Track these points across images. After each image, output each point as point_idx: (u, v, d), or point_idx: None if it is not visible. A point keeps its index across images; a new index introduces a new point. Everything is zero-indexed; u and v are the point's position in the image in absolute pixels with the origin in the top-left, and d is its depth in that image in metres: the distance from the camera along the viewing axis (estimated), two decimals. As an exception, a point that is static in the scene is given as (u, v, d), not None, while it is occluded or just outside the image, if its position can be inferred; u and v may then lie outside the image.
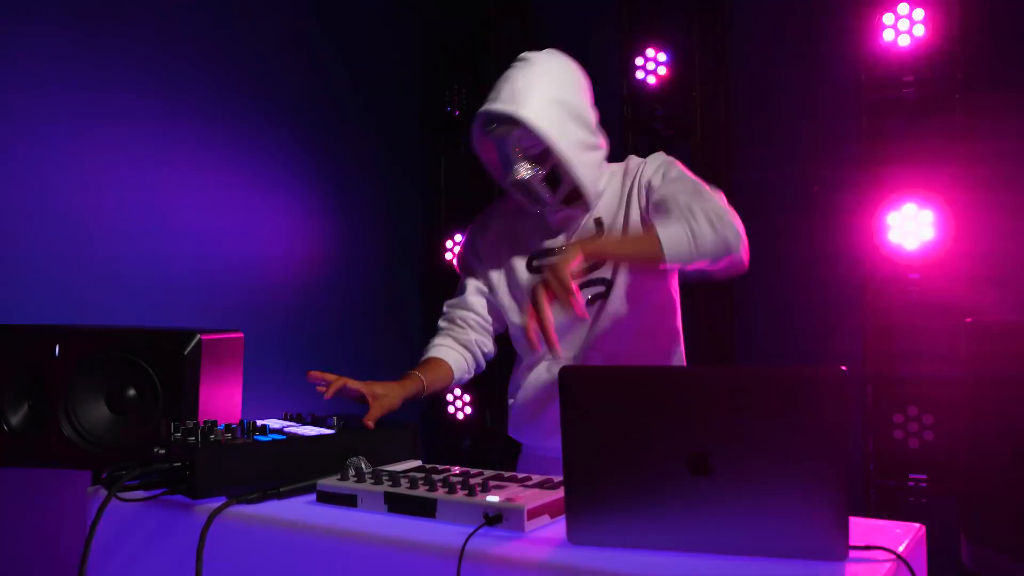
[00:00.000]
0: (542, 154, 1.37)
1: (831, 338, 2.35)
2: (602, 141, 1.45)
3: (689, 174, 1.41)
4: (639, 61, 2.52)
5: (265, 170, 2.50)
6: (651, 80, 2.50)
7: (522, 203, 1.45)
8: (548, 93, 1.34)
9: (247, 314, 2.35)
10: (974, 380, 0.90)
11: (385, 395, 1.35)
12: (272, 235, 2.51)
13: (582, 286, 1.43)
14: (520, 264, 1.50)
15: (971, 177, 2.07)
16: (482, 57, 2.87)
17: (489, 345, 1.56)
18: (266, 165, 2.50)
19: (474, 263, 1.56)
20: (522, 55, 1.40)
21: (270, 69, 2.52)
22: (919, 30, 2.07)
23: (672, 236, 1.22)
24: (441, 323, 1.57)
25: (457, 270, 1.60)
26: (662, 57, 2.47)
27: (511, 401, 1.56)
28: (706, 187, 1.37)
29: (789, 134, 2.46)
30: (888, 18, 2.11)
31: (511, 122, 1.34)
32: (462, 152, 2.96)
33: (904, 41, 2.08)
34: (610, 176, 1.48)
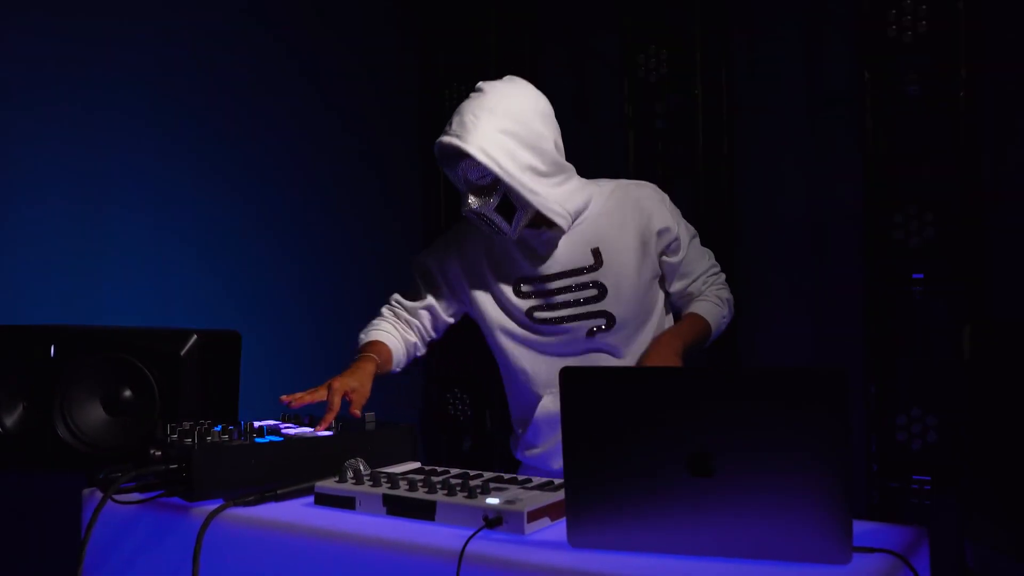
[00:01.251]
0: (491, 184, 1.38)
1: (833, 338, 2.34)
2: (564, 163, 1.44)
3: (690, 228, 1.54)
4: (640, 59, 2.50)
5: (262, 168, 2.48)
6: (652, 78, 2.47)
7: (485, 231, 1.45)
8: (496, 124, 1.35)
9: (244, 314, 2.34)
10: (978, 381, 0.90)
11: (358, 387, 1.37)
12: (269, 234, 2.49)
13: (581, 318, 1.45)
14: (505, 287, 1.49)
15: (976, 175, 2.05)
16: (482, 54, 2.86)
17: (422, 350, 1.60)
18: (263, 162, 2.48)
19: (438, 275, 1.55)
20: (478, 85, 1.42)
21: (266, 66, 2.50)
22: (923, 25, 2.04)
23: (715, 329, 1.51)
24: (385, 311, 1.60)
25: (412, 268, 1.59)
26: (663, 54, 2.45)
27: (518, 432, 1.57)
28: (697, 237, 1.56)
29: (791, 132, 2.45)
30: (892, 13, 2.08)
31: (458, 154, 1.36)
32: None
33: (908, 36, 2.06)
34: (600, 198, 1.47)
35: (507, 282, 1.49)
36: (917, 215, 2.04)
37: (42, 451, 1.34)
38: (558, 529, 0.97)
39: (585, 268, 1.45)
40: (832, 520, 0.84)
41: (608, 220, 1.46)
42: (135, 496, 1.12)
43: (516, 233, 1.42)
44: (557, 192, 1.41)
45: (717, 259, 1.58)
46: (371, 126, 2.85)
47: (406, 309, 1.58)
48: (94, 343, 1.37)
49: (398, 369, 1.56)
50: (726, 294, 1.55)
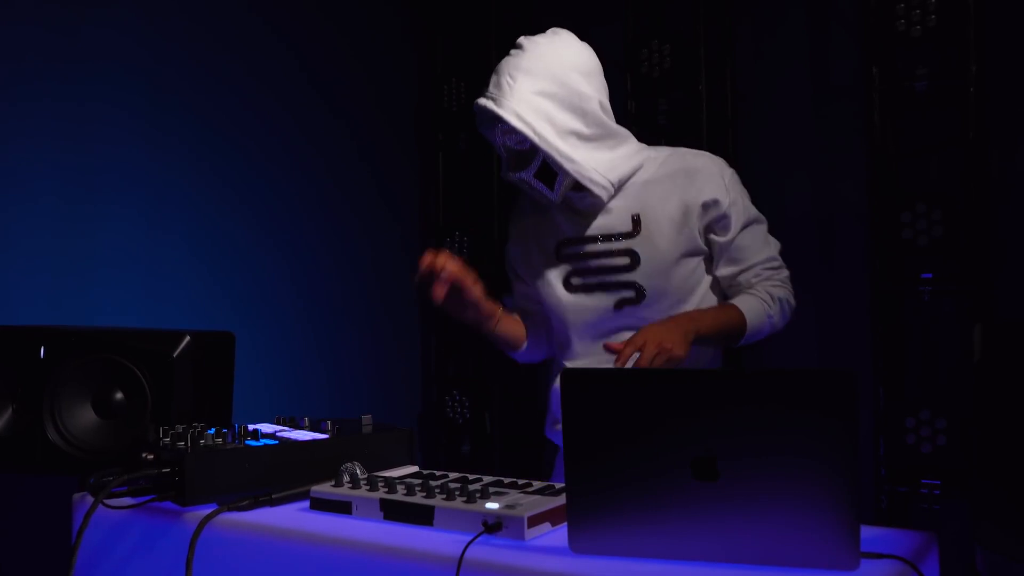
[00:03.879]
0: (530, 150, 1.33)
1: (840, 339, 2.33)
2: (613, 126, 1.38)
3: (752, 205, 1.42)
4: (642, 53, 2.47)
5: (256, 164, 2.46)
6: (655, 73, 2.45)
7: (530, 195, 1.42)
8: (532, 85, 1.30)
9: (238, 314, 2.31)
10: (988, 383, 0.89)
11: (475, 285, 1.37)
12: (263, 232, 2.47)
13: (611, 287, 1.40)
14: (547, 253, 1.46)
15: (985, 173, 2.03)
16: (481, 50, 2.83)
17: (547, 337, 1.56)
18: (257, 159, 2.46)
19: (511, 272, 1.55)
20: (519, 40, 1.36)
21: (262, 63, 2.48)
22: (932, 19, 2.01)
23: (754, 328, 1.36)
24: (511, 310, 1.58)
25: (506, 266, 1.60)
26: (666, 49, 2.43)
27: (552, 406, 1.52)
28: (767, 226, 1.44)
29: (796, 128, 2.43)
30: (901, 7, 2.04)
31: (494, 118, 1.32)
32: (461, 148, 2.92)
33: (916, 31, 2.02)
34: (652, 164, 1.41)
35: (549, 246, 1.46)
36: (925, 213, 2.01)
37: (31, 455, 1.32)
38: (559, 534, 0.96)
39: (622, 234, 1.39)
40: (839, 525, 0.83)
41: (655, 187, 1.39)
42: (127, 500, 1.11)
43: (559, 197, 1.37)
44: (601, 158, 1.35)
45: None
46: (369, 122, 2.83)
47: (512, 300, 1.56)
48: (85, 344, 1.35)
49: (529, 352, 1.54)
50: (781, 292, 1.40)
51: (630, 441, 0.88)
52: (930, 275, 2.03)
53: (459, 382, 2.86)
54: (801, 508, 0.83)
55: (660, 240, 1.38)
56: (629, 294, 1.39)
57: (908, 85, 2.06)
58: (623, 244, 1.39)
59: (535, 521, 0.96)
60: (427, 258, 1.35)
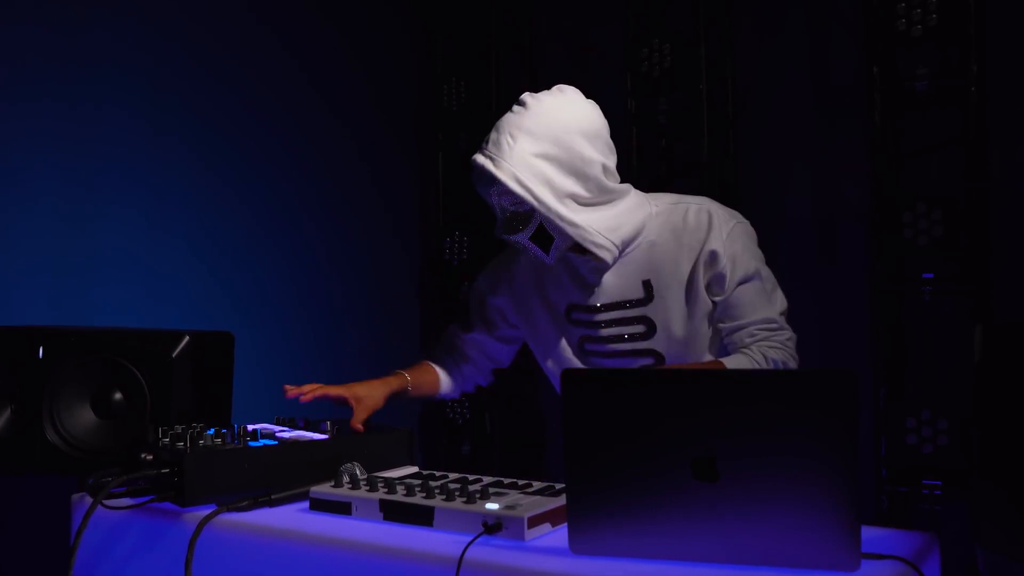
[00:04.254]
0: (527, 212, 1.29)
1: (841, 339, 2.32)
2: (613, 187, 1.32)
3: (756, 260, 1.33)
4: (643, 53, 2.46)
5: (256, 164, 2.45)
6: (655, 72, 2.43)
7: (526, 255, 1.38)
8: (533, 147, 1.25)
9: (238, 314, 2.31)
10: (988, 383, 0.89)
11: (368, 395, 1.33)
12: (263, 232, 2.46)
13: (629, 355, 1.36)
14: (556, 314, 1.41)
15: (986, 173, 2.02)
16: (481, 50, 2.82)
17: (482, 378, 1.55)
18: (257, 159, 2.46)
19: (490, 310, 1.49)
20: (523, 97, 1.31)
21: (261, 59, 2.47)
22: (933, 19, 1.99)
23: None
24: (441, 343, 1.55)
25: (466, 300, 1.55)
26: (667, 48, 2.41)
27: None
28: (767, 273, 1.34)
29: (797, 128, 2.43)
30: (902, 6, 2.02)
31: (491, 178, 1.27)
32: (461, 148, 2.92)
33: (917, 30, 2.00)
34: (655, 223, 1.35)
35: (558, 309, 1.41)
36: (926, 213, 2.00)
37: (30, 455, 1.32)
38: (559, 535, 0.95)
39: (633, 302, 1.34)
40: (840, 526, 0.82)
41: (661, 249, 1.34)
42: (126, 501, 1.10)
43: (554, 260, 1.32)
44: (603, 218, 1.29)
45: None
46: (368, 122, 2.82)
47: (459, 339, 1.52)
48: (84, 344, 1.35)
49: (454, 395, 1.52)
50: (778, 355, 1.30)
51: (630, 441, 0.88)
52: (931, 275, 2.02)
53: (459, 383, 2.86)
54: (802, 509, 0.83)
55: (673, 305, 1.33)
56: (648, 361, 1.36)
57: (909, 85, 2.05)
58: (636, 312, 1.35)
59: (535, 522, 0.96)
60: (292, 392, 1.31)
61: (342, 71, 2.72)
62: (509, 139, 1.26)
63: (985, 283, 1.98)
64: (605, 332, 1.37)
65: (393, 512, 1.02)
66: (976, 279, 1.98)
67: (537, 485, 1.09)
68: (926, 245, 1.99)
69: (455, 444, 2.92)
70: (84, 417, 1.33)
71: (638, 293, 1.35)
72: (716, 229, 1.32)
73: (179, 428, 1.17)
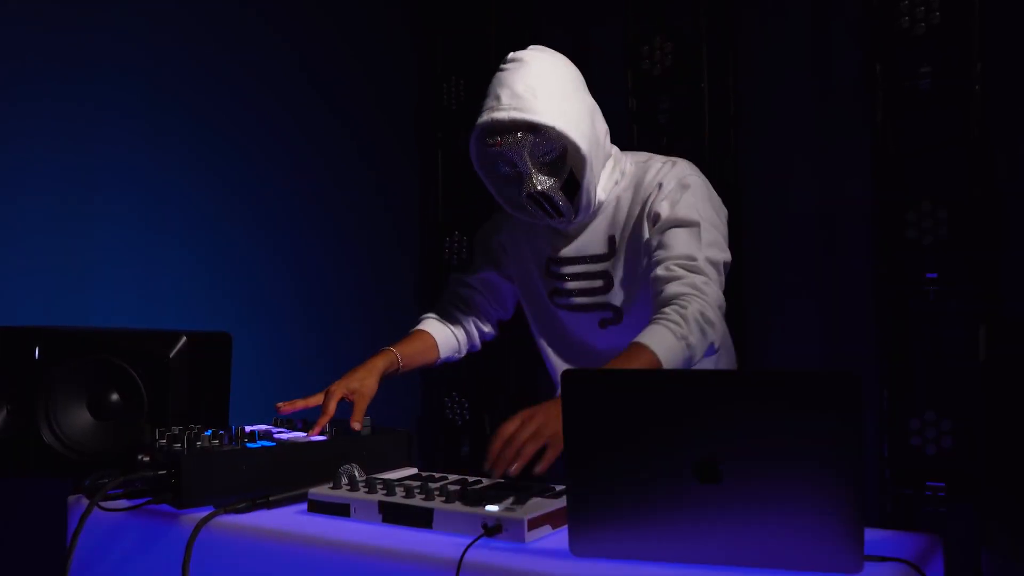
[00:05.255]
0: (558, 160, 1.27)
1: (844, 339, 2.31)
2: (608, 142, 1.36)
3: (699, 214, 1.27)
4: (644, 51, 2.45)
5: (254, 163, 2.45)
6: (656, 71, 2.42)
7: (532, 218, 1.36)
8: (555, 91, 1.25)
9: (235, 315, 2.30)
10: (994, 383, 0.88)
11: (359, 387, 1.31)
12: (261, 232, 2.46)
13: (590, 308, 1.39)
14: (536, 265, 1.44)
15: (990, 171, 2.01)
16: (481, 49, 2.82)
17: (487, 328, 1.53)
18: (255, 158, 2.45)
19: (495, 246, 1.49)
20: (511, 55, 1.31)
21: (259, 58, 2.46)
22: (937, 17, 1.98)
23: (674, 365, 1.15)
24: (443, 295, 1.53)
25: (475, 245, 1.54)
26: (668, 46, 2.40)
27: None
28: (708, 226, 1.27)
29: (799, 127, 2.42)
30: (905, 4, 2.01)
31: (523, 129, 1.24)
32: (460, 147, 2.91)
33: (921, 28, 2.00)
34: (624, 181, 1.37)
35: (540, 258, 1.43)
36: (930, 212, 1.99)
37: (26, 456, 1.31)
38: (559, 537, 0.94)
39: (598, 256, 1.37)
40: (843, 528, 0.82)
41: (623, 207, 1.36)
42: (122, 503, 1.10)
43: (582, 214, 1.31)
44: (605, 174, 1.32)
45: None
46: (368, 121, 2.81)
47: (464, 284, 1.50)
48: (80, 345, 1.34)
49: (458, 355, 1.49)
50: (692, 309, 1.17)
51: (632, 443, 0.87)
52: (935, 275, 2.02)
53: (458, 383, 2.84)
54: (805, 511, 0.82)
55: (630, 261, 1.35)
56: (607, 315, 1.38)
57: (912, 83, 2.05)
58: (599, 266, 1.37)
59: (535, 524, 0.95)
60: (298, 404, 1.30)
61: (341, 70, 2.72)
62: (526, 87, 1.24)
63: (990, 283, 1.97)
64: (570, 285, 1.39)
65: (392, 514, 1.01)
66: (981, 279, 1.97)
67: (537, 487, 1.08)
68: (931, 244, 1.99)
69: (454, 445, 2.91)
70: (80, 418, 1.32)
71: (603, 248, 1.37)
72: (665, 188, 1.30)
73: (176, 429, 1.16)
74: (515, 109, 1.24)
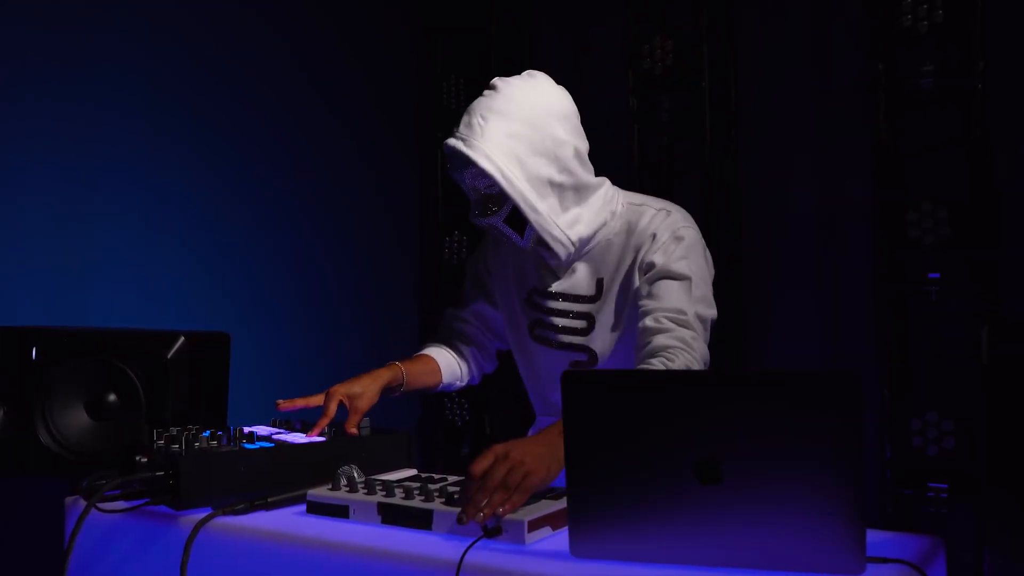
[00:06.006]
0: (500, 195, 1.27)
1: (845, 340, 2.31)
2: (586, 177, 1.31)
3: (690, 268, 1.26)
4: (644, 50, 2.44)
5: (253, 163, 2.44)
6: (657, 70, 2.41)
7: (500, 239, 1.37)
8: (505, 127, 1.24)
9: (234, 315, 2.29)
10: (995, 384, 0.87)
11: (361, 393, 1.30)
12: (260, 232, 2.45)
13: (567, 347, 1.37)
14: (519, 295, 1.42)
15: (992, 171, 2.00)
16: (481, 48, 2.81)
17: (487, 361, 1.52)
18: (254, 157, 2.45)
19: (485, 276, 1.49)
20: (493, 81, 1.32)
21: (259, 57, 2.46)
22: (939, 15, 1.98)
23: None
24: (440, 331, 1.53)
25: (466, 276, 1.54)
26: (669, 45, 2.39)
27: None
28: (700, 281, 1.26)
29: (800, 126, 2.41)
30: (907, 2, 2.00)
31: (464, 159, 1.26)
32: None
33: (923, 27, 1.99)
34: (616, 222, 1.34)
35: (523, 287, 1.41)
36: (931, 212, 1.99)
37: (23, 457, 1.30)
38: (560, 539, 0.94)
39: (584, 298, 1.35)
40: (845, 529, 0.81)
41: (613, 250, 1.34)
42: (120, 504, 1.09)
43: (529, 244, 1.32)
44: (566, 213, 1.29)
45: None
46: (368, 121, 2.81)
47: (458, 318, 1.50)
48: (78, 345, 1.33)
49: (459, 383, 1.48)
50: (680, 362, 1.18)
51: (632, 444, 0.87)
52: (937, 275, 2.01)
53: (458, 384, 2.84)
54: (806, 512, 0.82)
55: (616, 307, 1.33)
56: (582, 357, 1.37)
57: (913, 82, 2.04)
58: (584, 307, 1.35)
59: (535, 525, 0.95)
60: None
61: (341, 69, 2.71)
62: (480, 120, 1.26)
63: (992, 283, 1.97)
64: (554, 321, 1.38)
65: (391, 515, 1.01)
66: (983, 279, 1.96)
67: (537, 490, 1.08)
68: (932, 244, 1.98)
69: (454, 446, 2.91)
70: (78, 419, 1.32)
71: (591, 290, 1.35)
72: (659, 239, 1.29)
73: (174, 430, 1.16)
74: (461, 140, 1.26)
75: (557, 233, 1.29)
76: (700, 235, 1.34)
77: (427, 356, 1.46)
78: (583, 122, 1.34)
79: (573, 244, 1.31)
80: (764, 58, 2.46)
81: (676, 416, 0.86)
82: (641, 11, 2.48)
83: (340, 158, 2.71)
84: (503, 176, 1.25)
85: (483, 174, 1.26)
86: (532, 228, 1.29)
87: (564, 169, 1.29)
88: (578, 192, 1.31)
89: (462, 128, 1.28)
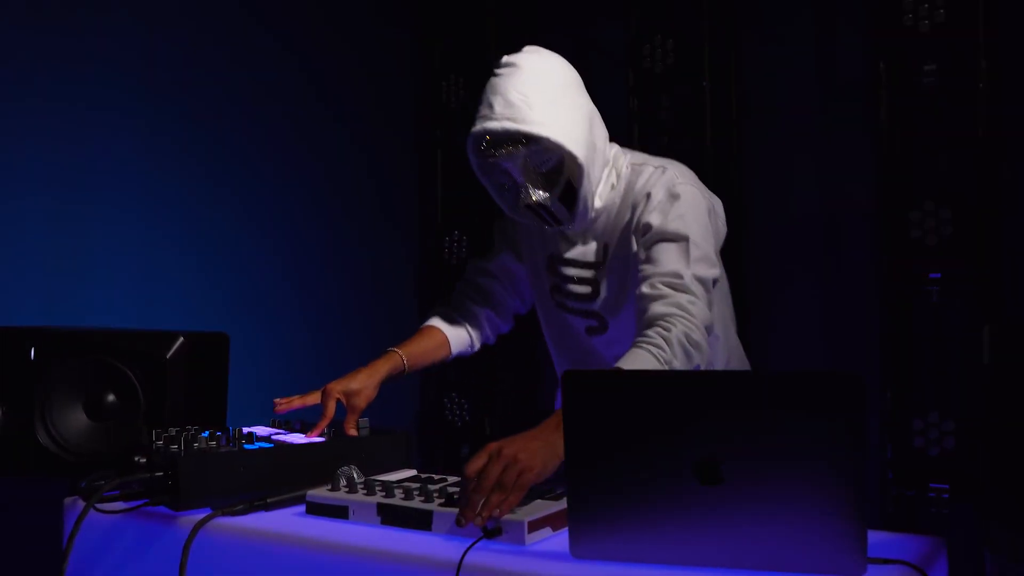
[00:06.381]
0: (554, 170, 1.23)
1: (847, 339, 2.31)
2: (608, 144, 1.32)
3: (688, 227, 1.22)
4: (645, 49, 2.43)
5: (251, 162, 2.44)
6: (658, 69, 2.41)
7: (530, 224, 1.34)
8: (550, 97, 1.21)
9: (233, 315, 2.29)
10: (997, 384, 0.87)
11: (358, 390, 1.28)
12: (259, 232, 2.45)
13: (578, 313, 1.37)
14: (541, 258, 1.41)
15: (995, 170, 2.00)
16: (481, 46, 2.81)
17: (502, 322, 1.49)
18: (252, 157, 2.44)
19: (512, 232, 1.45)
20: (504, 59, 1.27)
21: (256, 56, 2.45)
22: (941, 14, 1.97)
23: None
24: (460, 285, 1.49)
25: (493, 232, 1.50)
26: (670, 44, 2.39)
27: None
28: (698, 240, 1.22)
29: (803, 125, 2.41)
30: (908, 1, 1.99)
31: (517, 140, 1.20)
32: (460, 146, 2.90)
33: (925, 25, 1.98)
34: (621, 183, 1.32)
35: (544, 254, 1.40)
36: (934, 212, 1.98)
37: (22, 458, 1.30)
38: (560, 539, 0.94)
39: (591, 263, 1.34)
40: (846, 530, 0.81)
41: (617, 216, 1.32)
42: (119, 505, 1.09)
43: (579, 224, 1.28)
44: (603, 181, 1.28)
45: (724, 259, 1.33)
46: (366, 120, 2.80)
47: (484, 272, 1.46)
48: (76, 345, 1.33)
49: (471, 350, 1.45)
50: (676, 331, 1.11)
51: (633, 444, 0.87)
52: (939, 275, 2.00)
53: (458, 384, 2.84)
54: (807, 512, 0.82)
55: (617, 272, 1.32)
56: (593, 323, 1.36)
57: (916, 81, 2.03)
58: (590, 273, 1.34)
59: (535, 526, 0.95)
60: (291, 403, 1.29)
61: (340, 69, 2.71)
62: (520, 95, 1.20)
63: (995, 283, 1.96)
64: (568, 287, 1.37)
65: (391, 516, 1.01)
66: (986, 279, 1.96)
67: (537, 488, 1.07)
68: (935, 244, 1.97)
69: (454, 446, 2.90)
70: (76, 419, 1.32)
71: (595, 256, 1.33)
72: (654, 198, 1.25)
73: (173, 431, 1.15)
74: (508, 119, 1.20)
75: (593, 203, 1.27)
76: (702, 190, 1.30)
77: (433, 329, 1.43)
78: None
79: (596, 213, 1.30)
80: (765, 57, 2.46)
81: (677, 416, 0.86)
82: (642, 10, 2.47)
83: (339, 158, 2.70)
84: (576, 145, 1.19)
85: (548, 148, 1.20)
86: (581, 202, 1.25)
87: (600, 136, 1.28)
88: (605, 159, 1.30)
89: (499, 108, 1.21)
